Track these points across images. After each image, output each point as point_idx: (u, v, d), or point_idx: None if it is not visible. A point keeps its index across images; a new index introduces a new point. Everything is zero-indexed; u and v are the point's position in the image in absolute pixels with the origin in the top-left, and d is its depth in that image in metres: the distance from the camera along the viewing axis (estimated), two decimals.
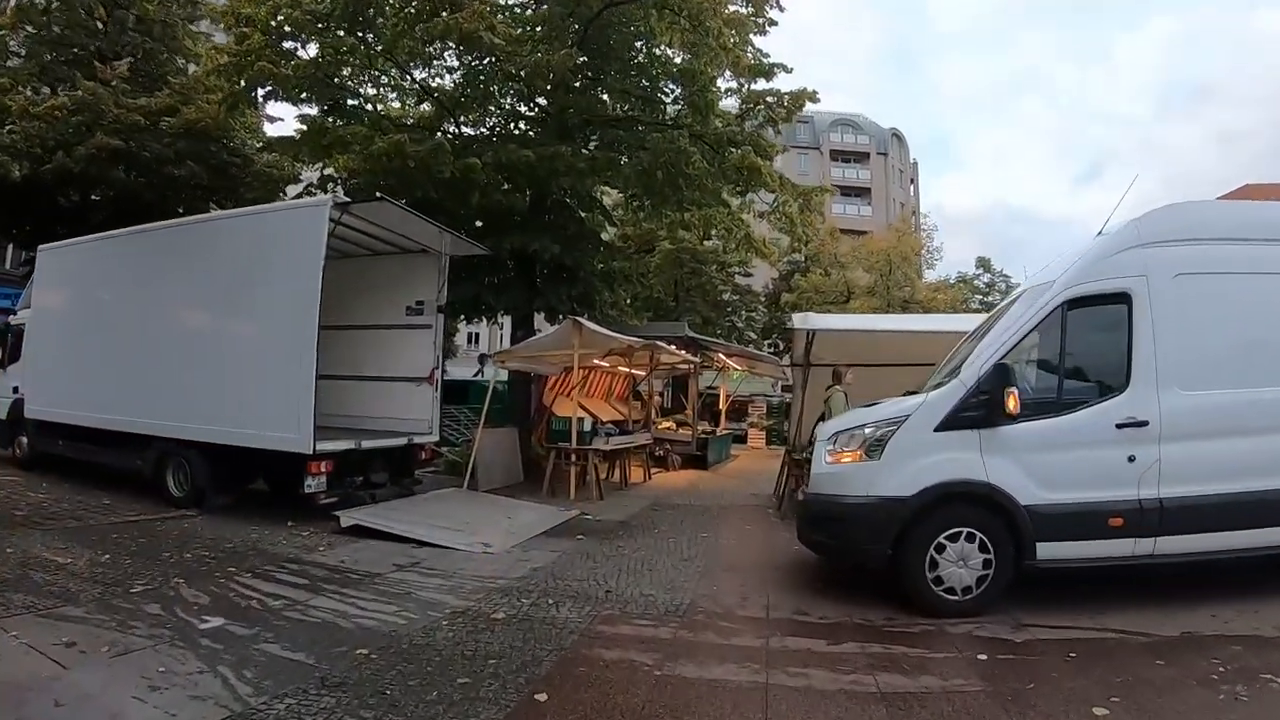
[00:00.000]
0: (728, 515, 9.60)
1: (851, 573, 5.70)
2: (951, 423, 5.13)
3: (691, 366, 16.53)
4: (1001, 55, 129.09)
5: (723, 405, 22.90)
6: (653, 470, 14.69)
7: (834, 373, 9.05)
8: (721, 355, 17.56)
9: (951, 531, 5.08)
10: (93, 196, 15.59)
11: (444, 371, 22.49)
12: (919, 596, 5.11)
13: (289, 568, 6.44)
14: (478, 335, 35.15)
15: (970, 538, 5.08)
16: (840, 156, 62.98)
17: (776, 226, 14.08)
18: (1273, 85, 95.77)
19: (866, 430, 5.27)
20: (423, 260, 10.57)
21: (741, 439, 23.98)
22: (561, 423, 11.10)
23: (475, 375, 22.27)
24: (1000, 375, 5.06)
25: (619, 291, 14.19)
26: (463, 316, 13.79)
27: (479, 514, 9.08)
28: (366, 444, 9.11)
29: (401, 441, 9.81)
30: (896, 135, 66.35)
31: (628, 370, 16.16)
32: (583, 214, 14.03)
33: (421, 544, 7.31)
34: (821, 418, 8.48)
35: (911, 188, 66.10)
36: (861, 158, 63.04)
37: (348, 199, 8.75)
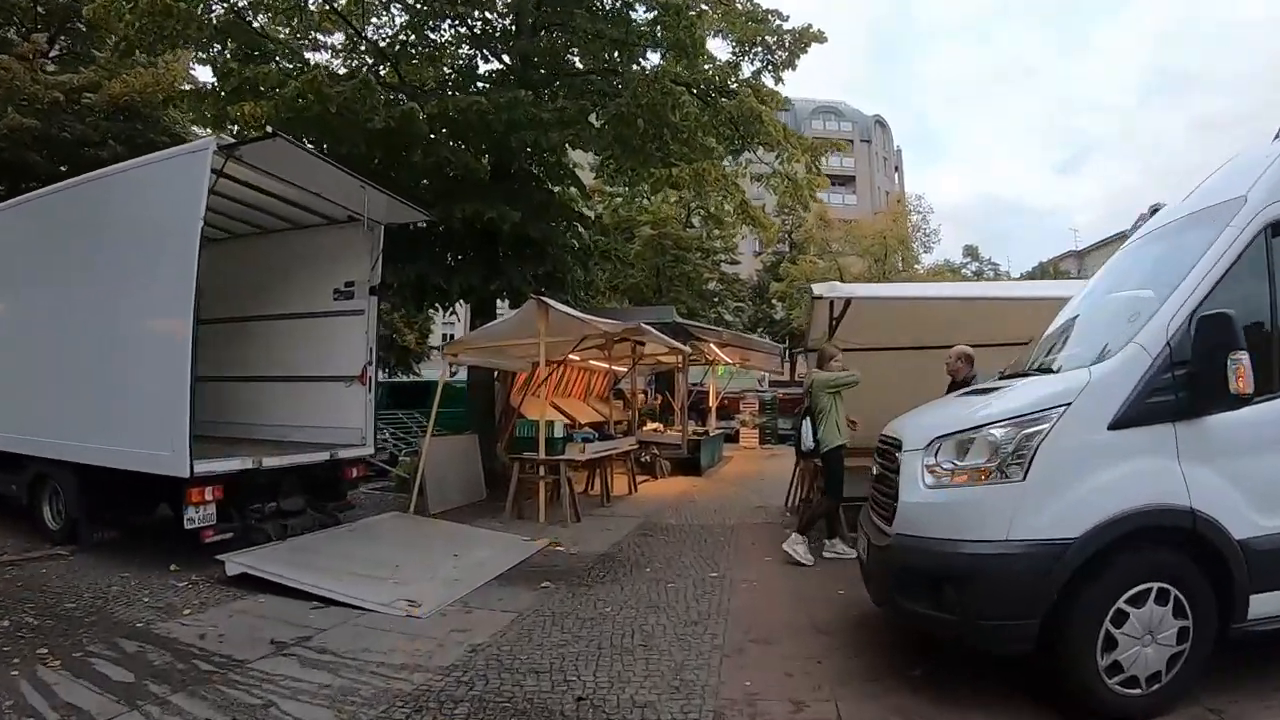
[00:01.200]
0: (738, 539, 7.62)
1: (948, 644, 3.71)
2: (1136, 414, 3.19)
3: (679, 360, 14.56)
4: (982, 47, 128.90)
5: (713, 403, 20.97)
6: (639, 479, 12.69)
7: (820, 355, 7.16)
8: (713, 346, 15.57)
9: (1137, 590, 3.16)
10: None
11: (386, 370, 20.03)
12: (1086, 695, 3.20)
13: (123, 647, 4.50)
14: (453, 335, 33.13)
15: (1162, 597, 3.19)
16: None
17: (777, 191, 12.09)
18: (1254, 73, 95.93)
19: (995, 432, 3.28)
20: (353, 233, 8.55)
21: (732, 438, 22.03)
22: (527, 428, 9.05)
23: (453, 377, 20.14)
24: (1215, 331, 3.12)
25: (594, 271, 12.15)
26: (401, 301, 11.61)
27: (417, 552, 7.04)
28: (270, 462, 7.07)
29: (321, 457, 7.75)
30: (880, 122, 65.31)
31: (607, 366, 14.17)
32: (554, 188, 12.00)
33: (328, 601, 5.29)
34: (807, 413, 6.99)
35: (896, 175, 64.94)
36: (844, 145, 61.38)
37: (233, 140, 6.70)
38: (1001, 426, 3.26)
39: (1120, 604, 3.15)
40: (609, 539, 7.64)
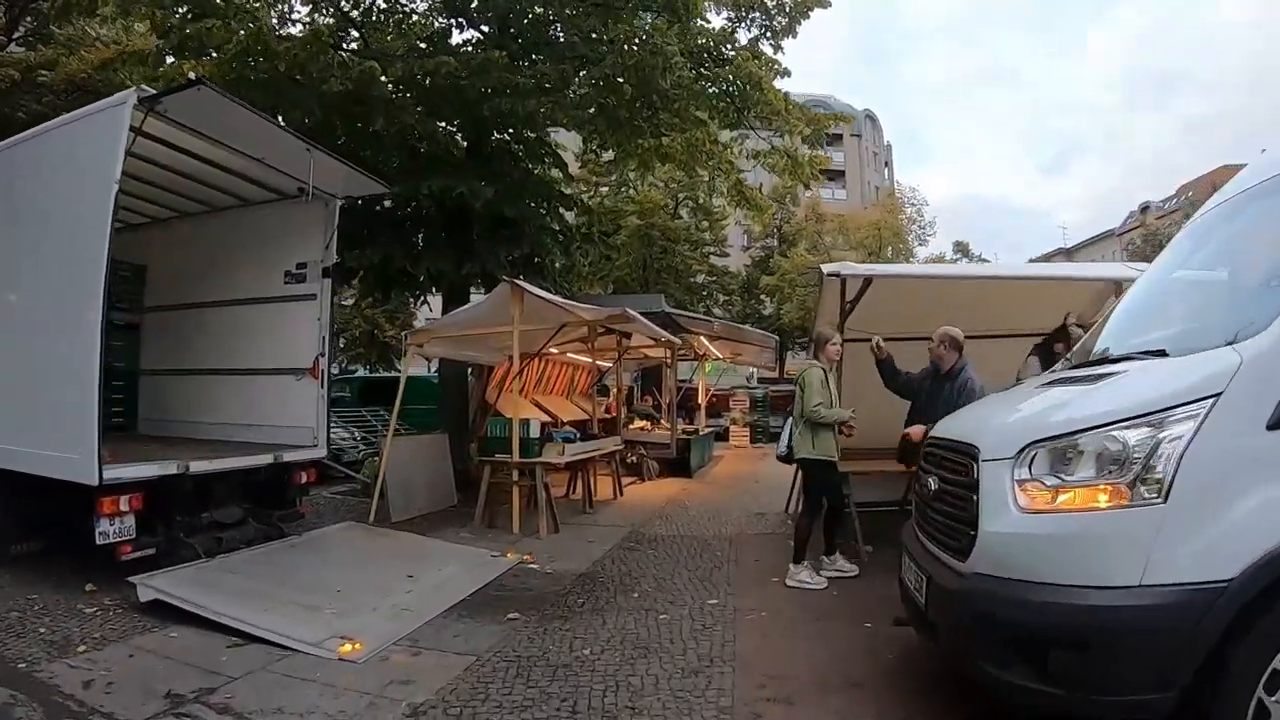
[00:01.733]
0: (738, 554, 6.73)
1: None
2: None
3: (667, 354, 13.67)
4: (966, 48, 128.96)
5: (702, 400, 20.11)
6: (625, 481, 11.80)
7: (816, 340, 6.19)
8: (703, 339, 14.68)
9: None
10: None
11: (368, 366, 19.03)
12: None
13: None
14: None
15: None
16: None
17: (776, 169, 11.21)
18: (1236, 74, 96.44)
19: (1122, 435, 2.39)
20: (306, 209, 7.61)
21: (722, 436, 21.19)
22: (500, 427, 8.13)
23: (433, 372, 19.18)
24: None
25: (576, 255, 11.21)
26: (366, 289, 10.60)
27: (367, 571, 6.11)
28: (199, 467, 6.12)
29: (263, 460, 6.81)
30: (870, 117, 64.63)
31: (591, 361, 13.28)
32: (534, 168, 11.05)
33: (249, 638, 4.38)
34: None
35: (886, 171, 64.40)
36: (834, 139, 60.36)
37: (153, 90, 5.73)
38: (1129, 427, 2.37)
39: (1277, 664, 2.29)
40: (591, 554, 6.73)
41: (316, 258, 7.70)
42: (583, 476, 9.53)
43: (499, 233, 10.00)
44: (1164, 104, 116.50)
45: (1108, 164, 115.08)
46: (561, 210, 10.70)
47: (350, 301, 15.81)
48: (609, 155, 11.42)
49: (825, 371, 5.73)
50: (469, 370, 12.45)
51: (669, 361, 13.85)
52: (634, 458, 12.75)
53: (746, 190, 11.83)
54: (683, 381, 20.79)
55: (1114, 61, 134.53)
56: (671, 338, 10.61)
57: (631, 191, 26.18)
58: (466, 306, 8.19)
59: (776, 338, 13.70)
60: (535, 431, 8.01)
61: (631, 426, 14.15)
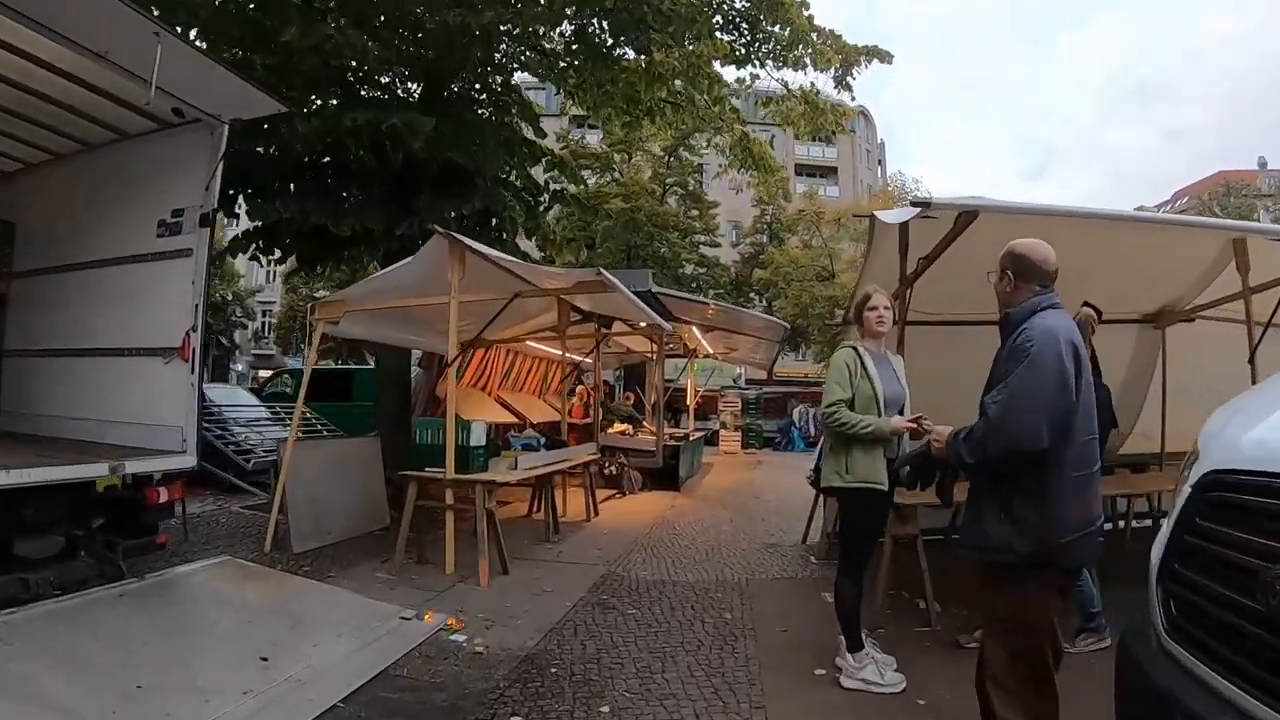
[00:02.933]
0: (757, 618, 4.80)
1: None
2: None
3: (653, 347, 11.76)
4: (949, 55, 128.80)
5: (690, 401, 18.24)
6: (603, 496, 9.91)
7: (853, 306, 4.07)
8: (695, 330, 12.77)
9: None
10: None
11: (339, 359, 16.81)
12: None
13: None
14: None
15: None
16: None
17: (793, 119, 9.31)
18: (1217, 85, 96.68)
19: None
20: (185, 139, 5.68)
21: (710, 441, 19.32)
22: (432, 431, 6.17)
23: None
24: None
25: (543, 218, 9.24)
26: (284, 254, 8.54)
27: (204, 645, 4.12)
28: None
29: (95, 471, 4.80)
30: (864, 114, 62.94)
31: (562, 354, 11.37)
32: (496, 117, 9.09)
33: None
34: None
35: (880, 169, 62.90)
36: (828, 136, 58.97)
37: None
38: None
39: None
40: (545, 614, 4.77)
41: (195, 202, 5.71)
42: (548, 493, 7.59)
43: (450, 186, 8.05)
44: (1145, 115, 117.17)
45: (1089, 171, 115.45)
46: (529, 168, 8.72)
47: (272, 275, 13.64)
48: (588, 102, 9.38)
49: (859, 355, 3.61)
50: (416, 359, 10.53)
51: (653, 354, 11.94)
52: (613, 468, 10.84)
53: (753, 145, 9.89)
54: (669, 381, 18.97)
55: (1095, 72, 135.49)
56: (659, 320, 8.68)
57: (616, 174, 24.34)
58: (390, 268, 6.23)
59: (786, 325, 11.74)
60: (478, 438, 6.03)
61: (610, 431, 12.23)
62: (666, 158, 27.52)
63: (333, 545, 6.81)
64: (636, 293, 8.46)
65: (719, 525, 8.35)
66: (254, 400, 15.11)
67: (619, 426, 12.53)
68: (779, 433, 24.59)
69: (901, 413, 3.47)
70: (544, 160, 8.76)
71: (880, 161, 64.14)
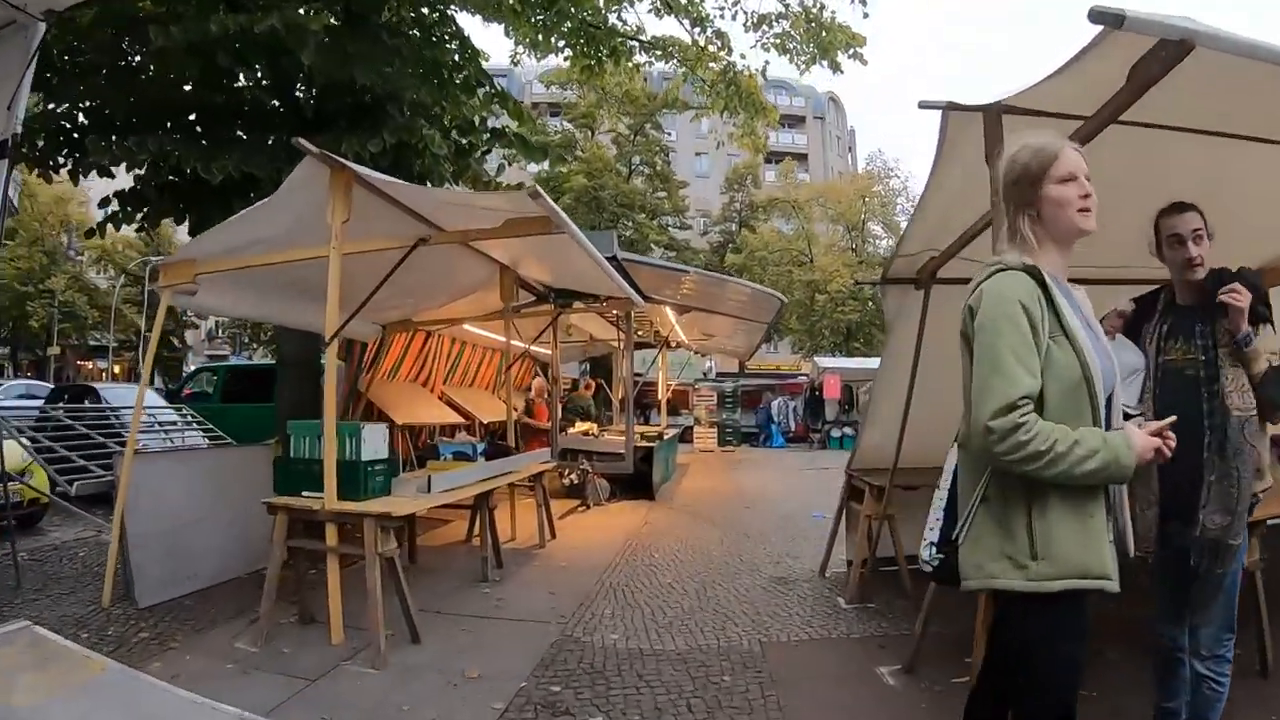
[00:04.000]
0: (796, 716, 3.11)
1: None
2: None
3: (620, 335, 10.04)
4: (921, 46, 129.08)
5: (662, 396, 16.61)
6: (563, 510, 8.24)
7: (1013, 174, 1.88)
8: (668, 311, 11.06)
9: None
10: None
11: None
12: None
13: None
14: None
15: None
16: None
17: (786, 49, 7.64)
18: None
19: None
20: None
21: (683, 437, 17.66)
22: (308, 440, 4.38)
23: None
24: None
25: (480, 163, 7.42)
26: (143, 210, 6.65)
27: None
28: None
29: None
30: (834, 100, 62.04)
31: (507, 340, 9.65)
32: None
33: None
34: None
35: (850, 156, 61.83)
36: (797, 121, 58.26)
37: None
38: None
39: None
40: None
41: None
42: (485, 515, 5.83)
43: (359, 120, 6.27)
44: None
45: None
46: (464, 99, 6.89)
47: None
48: (537, 30, 7.60)
49: (1047, 284, 1.71)
50: (325, 346, 8.69)
51: (619, 341, 10.23)
52: (574, 476, 9.12)
53: (740, 79, 8.18)
54: (636, 375, 17.30)
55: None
56: (628, 289, 6.95)
57: (579, 151, 22.57)
58: (248, 210, 4.42)
59: (780, 298, 9.96)
60: (374, 449, 4.27)
61: (572, 431, 10.50)
62: (633, 135, 25.86)
63: (199, 593, 5.06)
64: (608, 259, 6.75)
65: (707, 549, 6.67)
66: (159, 402, 12.97)
67: (581, 426, 10.80)
68: (757, 428, 23.08)
69: (1112, 408, 1.76)
70: (481, 92, 6.96)
71: (851, 149, 63.11)
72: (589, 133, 24.83)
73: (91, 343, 36.53)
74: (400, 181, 4.25)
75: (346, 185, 4.14)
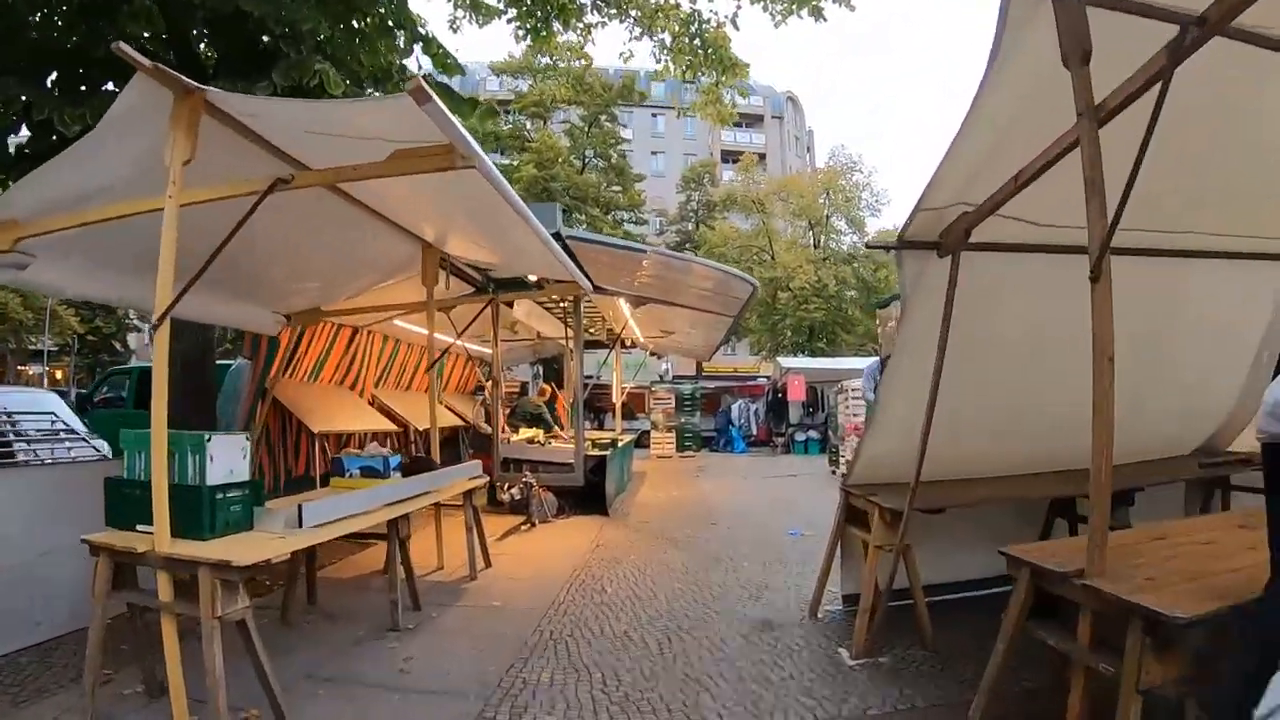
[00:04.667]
0: None
1: None
2: None
3: (569, 331, 8.96)
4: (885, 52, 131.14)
5: (616, 399, 15.57)
6: (505, 529, 7.20)
7: None
8: (622, 305, 10.04)
9: None
10: None
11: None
12: None
13: None
14: None
15: None
16: (732, 120, 57.41)
17: None
18: None
19: None
20: None
21: (640, 443, 16.63)
22: (144, 454, 3.25)
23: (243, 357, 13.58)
24: None
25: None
26: None
27: None
28: None
29: None
30: (792, 99, 61.87)
31: (452, 341, 8.57)
32: None
33: None
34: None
35: (809, 156, 61.60)
36: (755, 120, 57.92)
37: None
38: None
39: None
40: None
41: None
42: (396, 547, 4.72)
43: (250, 59, 5.12)
44: None
45: None
46: (381, 43, 5.74)
47: None
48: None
49: None
50: (154, 328, 7.46)
51: (568, 338, 9.17)
52: (515, 490, 8.04)
53: (707, 33, 7.19)
54: (588, 378, 16.23)
55: None
56: (575, 271, 5.89)
57: (528, 139, 21.42)
58: (74, 145, 3.26)
59: (753, 283, 8.87)
60: (225, 469, 3.17)
61: (515, 438, 9.40)
62: (587, 127, 24.80)
63: (43, 646, 3.96)
64: (554, 235, 5.69)
65: (670, 580, 5.64)
66: (51, 407, 11.41)
67: (526, 433, 9.70)
68: (716, 432, 22.16)
69: None
70: (403, 32, 5.84)
71: (809, 149, 62.93)
72: (541, 122, 23.72)
73: (30, 347, 33.89)
74: (255, 97, 3.15)
75: (193, 113, 3.04)
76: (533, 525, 8.05)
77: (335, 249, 5.52)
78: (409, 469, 5.45)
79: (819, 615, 4.46)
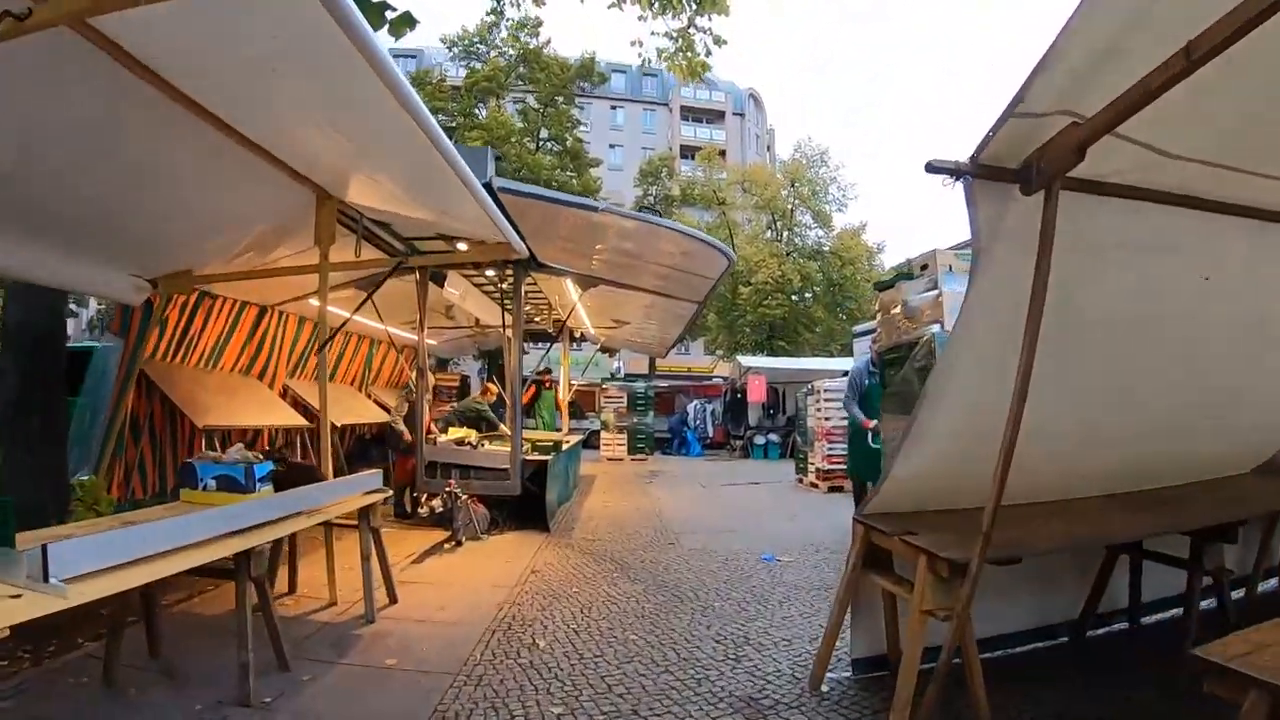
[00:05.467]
0: None
1: None
2: None
3: (507, 318, 7.71)
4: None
5: (565, 396, 14.37)
6: (426, 546, 6.00)
7: None
8: (570, 289, 8.84)
9: None
10: None
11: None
12: None
13: None
14: None
15: None
16: (692, 114, 57.40)
17: None
18: None
19: None
20: None
21: (588, 442, 15.43)
22: None
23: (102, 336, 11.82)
24: None
25: None
26: None
27: None
28: None
29: None
30: (754, 97, 61.32)
31: (321, 299, 7.31)
32: None
33: None
34: None
35: (769, 155, 60.95)
36: (716, 117, 57.59)
37: None
38: None
39: None
40: None
41: None
42: (245, 590, 3.47)
43: None
44: None
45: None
46: None
47: None
48: None
49: None
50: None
51: (505, 325, 7.92)
52: (437, 504, 6.77)
53: None
54: (544, 372, 15.00)
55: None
56: (504, 229, 4.67)
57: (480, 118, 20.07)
58: None
59: (729, 254, 7.46)
60: None
61: (443, 439, 8.12)
62: (542, 109, 23.49)
63: None
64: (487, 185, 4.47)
65: (622, 629, 4.47)
66: None
67: (456, 433, 8.43)
68: (671, 433, 21.08)
69: None
70: None
71: (769, 148, 62.32)
72: (494, 100, 22.32)
73: None
74: None
75: None
76: (458, 544, 6.81)
77: (198, 190, 4.23)
78: (284, 480, 4.20)
79: (823, 688, 3.35)
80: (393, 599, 4.99)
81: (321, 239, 4.93)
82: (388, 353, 12.15)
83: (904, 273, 5.33)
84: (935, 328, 4.62)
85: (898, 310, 5.12)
